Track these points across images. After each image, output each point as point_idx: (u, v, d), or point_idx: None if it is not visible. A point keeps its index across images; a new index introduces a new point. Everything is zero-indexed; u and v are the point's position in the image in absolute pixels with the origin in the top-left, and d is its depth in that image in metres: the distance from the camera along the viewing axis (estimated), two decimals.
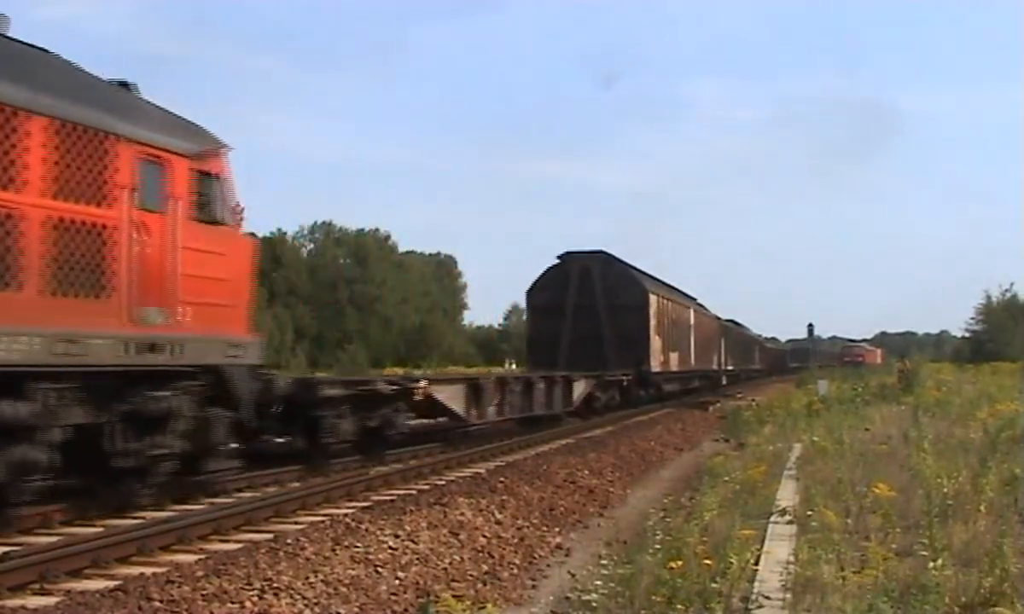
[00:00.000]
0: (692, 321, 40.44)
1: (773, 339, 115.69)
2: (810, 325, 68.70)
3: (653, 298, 32.26)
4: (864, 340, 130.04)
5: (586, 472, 15.68)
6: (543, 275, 32.17)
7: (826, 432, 16.44)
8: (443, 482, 13.85)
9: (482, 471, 14.98)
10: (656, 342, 32.32)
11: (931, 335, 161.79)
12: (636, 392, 31.04)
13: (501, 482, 13.29)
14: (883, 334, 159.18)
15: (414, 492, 12.66)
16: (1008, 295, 68.38)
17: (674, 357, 35.78)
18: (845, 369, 66.14)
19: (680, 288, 42.36)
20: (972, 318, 71.25)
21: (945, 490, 9.53)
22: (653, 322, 31.84)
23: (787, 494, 10.94)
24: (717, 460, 15.13)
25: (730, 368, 53.77)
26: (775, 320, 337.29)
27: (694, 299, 44.57)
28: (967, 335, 73.60)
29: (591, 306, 30.67)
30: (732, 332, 57.27)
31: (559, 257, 31.88)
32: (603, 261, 31.60)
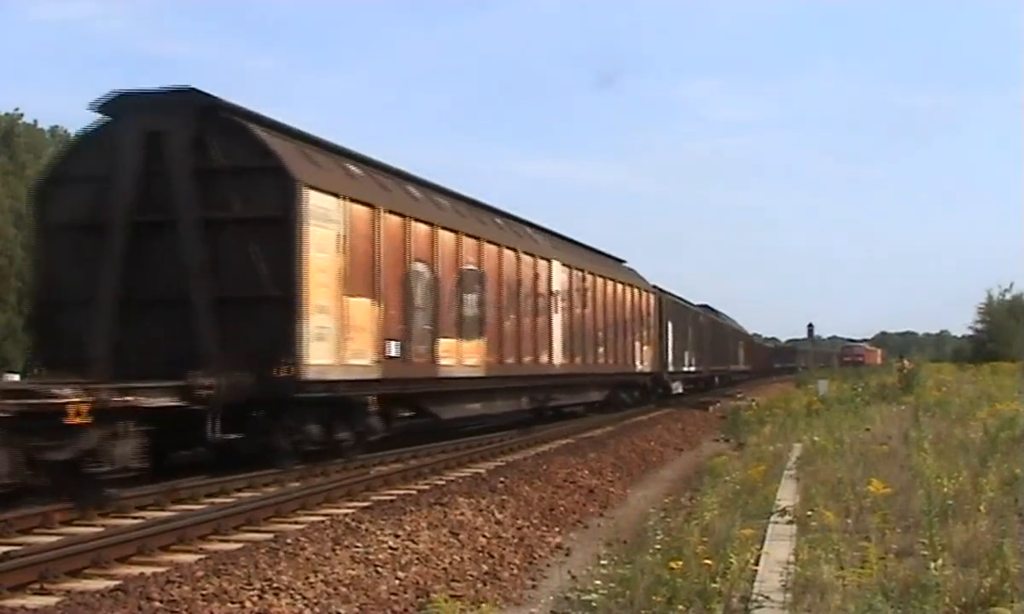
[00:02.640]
0: (599, 295, 26.96)
1: (772, 338, 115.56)
2: (810, 325, 68.48)
3: (331, 205, 14.12)
4: (864, 340, 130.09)
5: (586, 472, 15.68)
6: (73, 148, 16.20)
7: (826, 432, 16.44)
8: (443, 482, 13.85)
9: (482, 471, 14.98)
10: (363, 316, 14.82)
11: (931, 335, 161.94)
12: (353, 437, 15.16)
13: (501, 482, 13.29)
14: (883, 334, 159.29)
15: (414, 492, 12.66)
16: (1009, 295, 68.30)
17: (516, 349, 20.90)
18: (839, 370, 66.14)
19: (577, 241, 28.23)
20: (977, 320, 71.17)
21: (945, 490, 9.53)
22: (321, 260, 13.77)
23: (787, 494, 10.93)
24: (717, 460, 15.13)
25: (692, 369, 41.34)
26: (775, 320, 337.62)
27: (608, 258, 30.92)
28: (971, 333, 73.56)
29: (169, 222, 13.75)
30: (697, 319, 44.44)
31: (102, 108, 14.29)
32: (201, 113, 13.83)
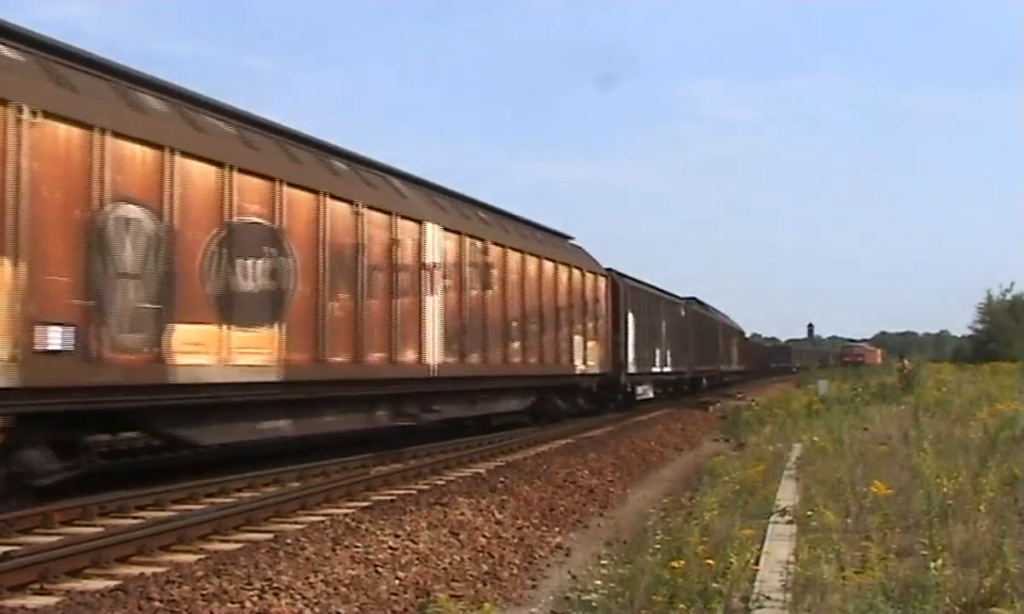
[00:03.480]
0: (513, 274, 21.05)
1: (772, 338, 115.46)
2: (810, 325, 68.85)
3: None
4: (864, 340, 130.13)
5: (586, 472, 15.67)
6: None
7: (826, 432, 16.45)
8: (443, 482, 13.85)
9: (482, 471, 14.98)
10: None
11: (931, 335, 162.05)
12: None
13: (501, 482, 13.29)
14: (883, 334, 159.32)
15: (414, 492, 12.66)
16: (1009, 295, 68.33)
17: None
18: (837, 370, 65.90)
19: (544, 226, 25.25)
20: (977, 320, 71.20)
21: (945, 490, 9.53)
22: None
23: (787, 494, 10.94)
24: (717, 460, 15.12)
25: (667, 370, 35.46)
26: (775, 320, 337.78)
27: (541, 230, 25.00)
28: (971, 333, 73.57)
29: None
30: (676, 313, 38.20)
31: None
32: None
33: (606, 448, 19.17)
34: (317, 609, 7.18)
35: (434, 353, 17.20)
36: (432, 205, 18.40)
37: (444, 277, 17.75)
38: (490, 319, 19.67)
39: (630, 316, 29.62)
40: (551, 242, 25.02)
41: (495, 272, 20.04)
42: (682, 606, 6.04)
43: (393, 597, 7.77)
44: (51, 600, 7.09)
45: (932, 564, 6.69)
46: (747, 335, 79.13)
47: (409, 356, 16.46)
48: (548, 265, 23.21)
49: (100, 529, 9.77)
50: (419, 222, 17.08)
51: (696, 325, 42.96)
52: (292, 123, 15.15)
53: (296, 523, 10.38)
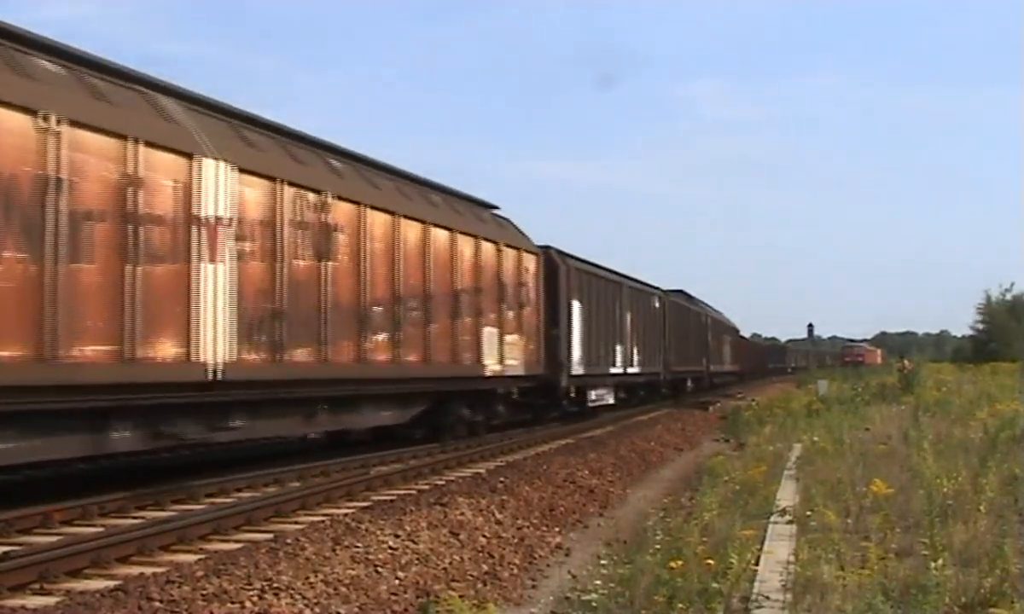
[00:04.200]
0: (376, 242, 15.44)
1: (772, 338, 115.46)
2: (810, 325, 68.69)
3: None
4: (864, 340, 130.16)
5: (586, 472, 15.68)
6: None
7: (826, 432, 16.45)
8: (443, 482, 13.85)
9: (482, 471, 14.99)
10: None
11: (931, 335, 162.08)
12: None
13: (501, 482, 13.29)
14: (883, 334, 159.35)
15: (414, 492, 12.66)
16: (1008, 295, 68.33)
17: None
18: (835, 370, 65.68)
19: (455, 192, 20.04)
20: (977, 320, 71.21)
21: (945, 490, 9.54)
22: None
23: (787, 494, 10.94)
24: (717, 460, 15.13)
25: (635, 370, 30.10)
26: (775, 320, 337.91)
27: (435, 189, 19.14)
28: (972, 333, 73.59)
29: None
30: (647, 304, 32.40)
31: None
32: None
33: (606, 448, 19.17)
34: (317, 609, 7.18)
35: (216, 346, 11.81)
36: (221, 136, 12.72)
37: (241, 239, 12.49)
38: (333, 301, 14.03)
39: (575, 305, 24.02)
40: (455, 207, 19.17)
41: (342, 238, 14.34)
42: (682, 606, 6.04)
43: (393, 597, 7.77)
44: (51, 600, 7.09)
45: (932, 564, 6.69)
46: (747, 335, 78.41)
47: (165, 350, 11.07)
48: (439, 234, 17.31)
49: (100, 529, 9.76)
50: (188, 157, 11.57)
51: (678, 320, 37.65)
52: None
53: (296, 523, 10.38)
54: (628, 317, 29.56)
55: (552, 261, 23.32)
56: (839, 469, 11.90)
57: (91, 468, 13.03)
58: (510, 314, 20.53)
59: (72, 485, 11.55)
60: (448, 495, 11.85)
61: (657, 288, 35.24)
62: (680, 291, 41.92)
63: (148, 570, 7.90)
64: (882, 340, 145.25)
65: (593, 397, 26.32)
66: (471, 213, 20.09)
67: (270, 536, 9.40)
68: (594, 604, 6.78)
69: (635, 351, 30.32)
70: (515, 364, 20.61)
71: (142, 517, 10.55)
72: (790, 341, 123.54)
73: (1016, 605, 5.99)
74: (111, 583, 7.45)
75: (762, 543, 7.92)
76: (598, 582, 7.40)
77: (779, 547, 7.88)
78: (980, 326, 71.38)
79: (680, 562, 6.71)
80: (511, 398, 21.41)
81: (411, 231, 16.47)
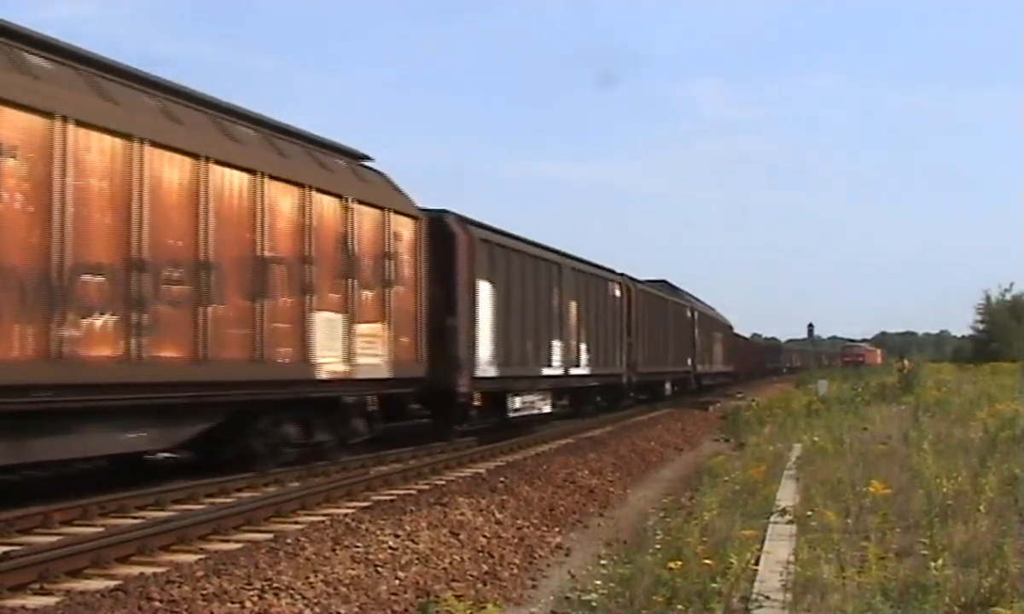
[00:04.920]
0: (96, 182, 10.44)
1: (772, 338, 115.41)
2: (810, 325, 68.49)
3: None
4: (864, 340, 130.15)
5: (586, 472, 15.68)
6: None
7: (826, 432, 16.45)
8: (443, 482, 13.86)
9: (482, 471, 14.99)
10: None
11: (931, 335, 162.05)
12: None
13: (501, 482, 13.30)
14: (883, 334, 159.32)
15: (414, 492, 12.67)
16: (1008, 295, 68.34)
17: None
18: (833, 370, 65.48)
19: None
20: (978, 320, 71.21)
21: (945, 490, 9.54)
22: None
23: (787, 494, 10.94)
24: (717, 460, 15.13)
25: (584, 371, 24.71)
26: (775, 320, 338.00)
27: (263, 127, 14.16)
28: (972, 333, 73.60)
29: None
30: (603, 292, 27.03)
31: None
32: None
33: (606, 448, 19.18)
34: (317, 609, 7.18)
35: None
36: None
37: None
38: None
39: (483, 287, 18.56)
40: (279, 147, 14.10)
41: (9, 165, 9.56)
42: (681, 606, 6.04)
43: (393, 597, 7.77)
44: (51, 600, 7.09)
45: (932, 564, 6.69)
46: (747, 335, 77.84)
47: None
48: (230, 177, 12.52)
49: (100, 529, 9.77)
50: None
51: (652, 313, 32.22)
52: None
53: (296, 523, 10.38)
54: (573, 307, 23.98)
55: (446, 230, 17.69)
56: (839, 469, 11.90)
57: (91, 468, 13.04)
58: (366, 295, 15.03)
59: (72, 485, 11.55)
60: (448, 495, 11.85)
61: (621, 274, 29.28)
62: (662, 281, 37.83)
63: (148, 570, 7.90)
64: (882, 340, 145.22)
65: (517, 405, 20.39)
66: (309, 158, 14.65)
67: (270, 536, 9.40)
68: (594, 604, 6.78)
69: (582, 348, 24.63)
70: (375, 363, 15.16)
71: (142, 517, 10.56)
72: (790, 341, 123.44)
73: (1016, 605, 5.98)
74: (111, 583, 7.46)
75: (762, 543, 7.92)
76: (598, 582, 7.40)
77: (779, 547, 7.88)
78: (980, 326, 71.41)
79: (680, 562, 6.71)
80: (362, 408, 15.52)
81: (170, 168, 11.56)
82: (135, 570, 8.01)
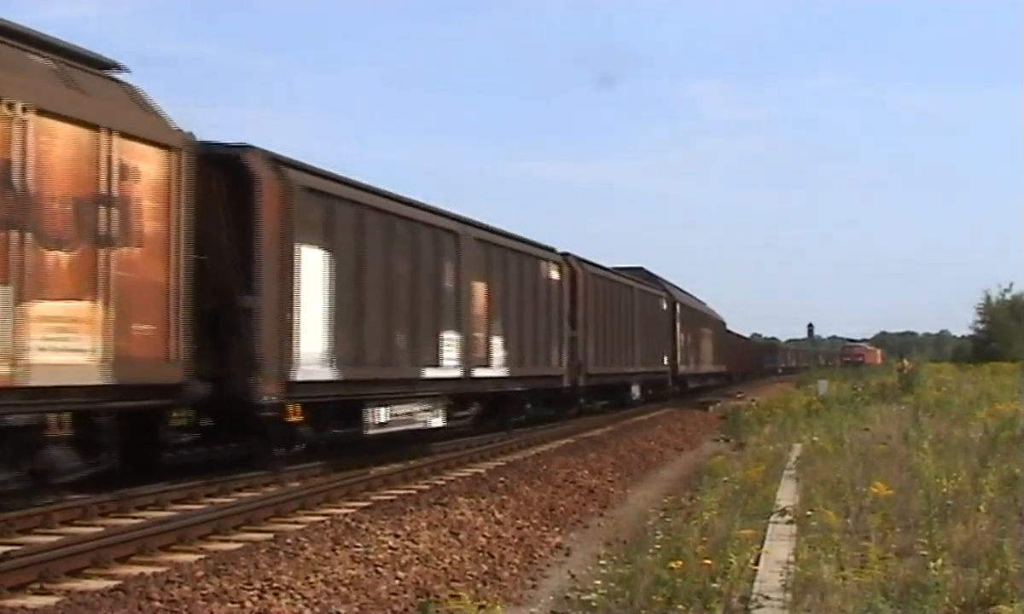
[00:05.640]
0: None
1: (773, 338, 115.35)
2: (810, 325, 68.30)
3: None
4: (864, 340, 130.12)
5: (586, 472, 15.68)
6: None
7: (826, 432, 16.45)
8: (443, 482, 13.86)
9: (482, 471, 14.99)
10: None
11: (931, 335, 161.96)
12: None
13: (501, 482, 13.30)
14: (883, 334, 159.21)
15: (414, 492, 12.67)
16: (1008, 295, 68.35)
17: None
18: (831, 371, 65.29)
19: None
20: (978, 320, 71.20)
21: (945, 490, 9.54)
22: None
23: (787, 494, 10.94)
24: (717, 460, 15.14)
25: (499, 374, 19.33)
26: (776, 320, 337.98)
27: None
28: (972, 333, 73.60)
29: None
30: (534, 273, 21.40)
31: None
32: None
33: (606, 448, 19.18)
34: (317, 609, 7.18)
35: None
36: None
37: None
38: None
39: (309, 256, 13.39)
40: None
41: None
42: (681, 606, 6.05)
43: (393, 597, 7.77)
44: (51, 600, 7.09)
45: (932, 564, 6.69)
46: (747, 335, 77.42)
47: None
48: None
49: (100, 529, 9.77)
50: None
51: (609, 302, 26.65)
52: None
53: (296, 523, 10.38)
54: (479, 289, 18.52)
55: (241, 171, 12.44)
56: (839, 469, 11.90)
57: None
58: (54, 258, 9.95)
59: (72, 485, 11.54)
60: (448, 495, 11.85)
61: (564, 253, 23.51)
62: (639, 268, 33.49)
63: (148, 570, 7.90)
64: (882, 340, 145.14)
65: (382, 419, 15.30)
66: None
67: (270, 536, 9.40)
68: (594, 604, 6.79)
69: (495, 343, 19.12)
70: (74, 363, 10.12)
71: (142, 517, 10.56)
72: (790, 341, 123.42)
73: (1016, 605, 5.99)
74: (111, 583, 7.46)
75: (762, 543, 7.92)
76: (598, 582, 7.40)
77: (779, 547, 7.88)
78: (980, 326, 71.40)
79: (680, 562, 6.71)
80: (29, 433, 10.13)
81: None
82: (135, 570, 8.01)
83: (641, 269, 33.82)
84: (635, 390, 30.05)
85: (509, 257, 20.13)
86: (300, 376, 12.97)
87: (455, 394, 17.83)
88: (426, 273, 16.50)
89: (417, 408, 16.43)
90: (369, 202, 14.99)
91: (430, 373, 16.58)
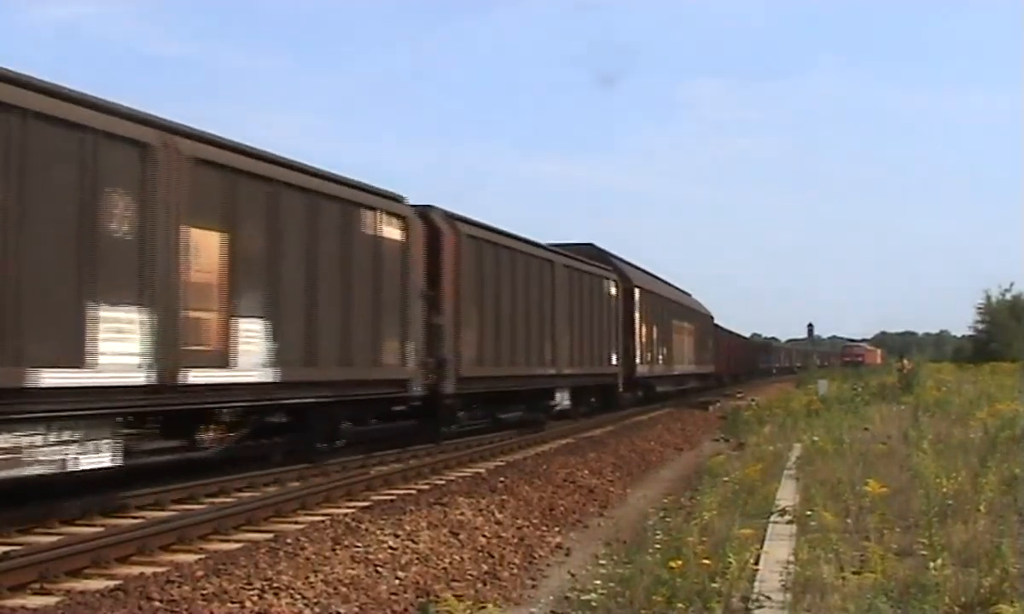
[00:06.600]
0: None
1: (773, 338, 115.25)
2: (810, 325, 68.22)
3: None
4: (864, 340, 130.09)
5: (586, 472, 15.68)
6: None
7: (826, 432, 16.45)
8: (443, 482, 13.85)
9: (482, 471, 14.99)
10: None
11: (931, 335, 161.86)
12: None
13: (501, 482, 13.30)
14: (883, 334, 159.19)
15: (414, 492, 12.67)
16: (1008, 295, 68.31)
17: None
18: (830, 371, 65.05)
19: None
20: (978, 320, 71.17)
21: (944, 490, 9.53)
22: None
23: (787, 494, 10.94)
24: (717, 460, 15.14)
25: (267, 377, 11.80)
26: (776, 320, 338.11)
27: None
28: (972, 333, 73.57)
29: None
30: (326, 220, 13.15)
31: None
32: None
33: (606, 448, 19.18)
34: (317, 609, 7.18)
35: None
36: None
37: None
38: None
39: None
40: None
41: None
42: (681, 606, 6.04)
43: (393, 597, 7.77)
44: (51, 600, 7.09)
45: (932, 564, 6.69)
46: (747, 335, 77.00)
47: None
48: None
49: (100, 529, 9.77)
50: None
51: (513, 281, 19.81)
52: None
53: (296, 523, 10.38)
54: (215, 243, 11.20)
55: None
56: (839, 469, 11.89)
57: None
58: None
59: (72, 485, 11.54)
60: (448, 495, 11.85)
61: (427, 206, 16.97)
62: (588, 245, 28.30)
63: (148, 570, 7.90)
64: (882, 340, 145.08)
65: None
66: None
67: (270, 536, 9.40)
68: (594, 604, 6.79)
69: (247, 330, 11.72)
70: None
71: (142, 517, 10.56)
72: (790, 341, 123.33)
73: (1016, 605, 5.99)
74: (111, 583, 7.46)
75: (762, 543, 7.92)
76: (598, 582, 7.40)
77: (779, 547, 7.88)
78: (980, 326, 71.37)
79: (680, 562, 6.71)
80: None
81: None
82: (135, 570, 8.01)
83: (591, 246, 28.29)
84: (561, 397, 23.12)
85: (296, 201, 12.74)
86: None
87: (158, 414, 11.38)
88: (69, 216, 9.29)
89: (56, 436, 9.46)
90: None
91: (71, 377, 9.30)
